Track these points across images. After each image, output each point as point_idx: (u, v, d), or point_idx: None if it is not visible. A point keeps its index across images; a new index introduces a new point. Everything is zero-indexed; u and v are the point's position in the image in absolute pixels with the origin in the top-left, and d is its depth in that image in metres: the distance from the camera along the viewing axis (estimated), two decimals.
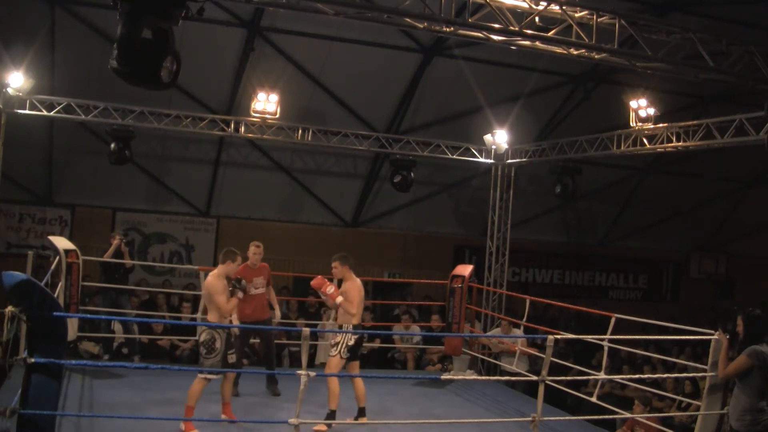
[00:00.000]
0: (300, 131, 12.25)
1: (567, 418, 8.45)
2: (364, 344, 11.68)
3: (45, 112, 11.10)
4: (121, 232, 10.87)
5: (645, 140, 10.55)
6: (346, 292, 7.45)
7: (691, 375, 9.19)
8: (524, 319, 10.02)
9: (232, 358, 7.31)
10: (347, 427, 7.62)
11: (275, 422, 6.58)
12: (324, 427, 7.22)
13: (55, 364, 4.93)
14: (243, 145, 14.75)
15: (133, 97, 10.86)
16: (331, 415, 7.29)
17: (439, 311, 12.25)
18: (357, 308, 7.43)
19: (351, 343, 7.33)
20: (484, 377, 10.73)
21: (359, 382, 7.56)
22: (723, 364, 6.04)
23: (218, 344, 6.98)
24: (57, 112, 11.15)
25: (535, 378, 6.91)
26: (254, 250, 8.62)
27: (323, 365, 11.01)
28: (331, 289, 7.43)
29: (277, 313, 9.04)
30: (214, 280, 7.17)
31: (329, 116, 13.87)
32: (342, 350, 7.34)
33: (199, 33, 11.60)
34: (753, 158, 13.66)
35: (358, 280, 7.58)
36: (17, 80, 10.45)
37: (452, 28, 7.63)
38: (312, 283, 7.65)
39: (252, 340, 9.84)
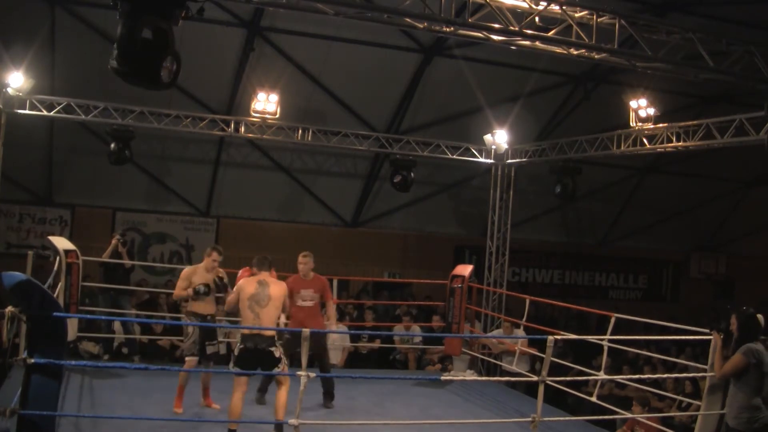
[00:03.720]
0: (300, 131, 12.25)
1: (567, 418, 8.44)
2: (365, 344, 11.77)
3: (45, 112, 11.10)
4: (119, 232, 10.86)
5: (645, 140, 10.55)
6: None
7: (691, 375, 9.19)
8: (524, 319, 10.03)
9: (210, 349, 7.67)
10: (347, 428, 7.62)
11: (275, 422, 6.57)
12: None
13: (55, 365, 4.93)
14: (243, 145, 14.76)
15: (133, 97, 10.85)
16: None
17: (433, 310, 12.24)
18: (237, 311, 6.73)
19: (236, 352, 6.54)
20: (484, 377, 10.73)
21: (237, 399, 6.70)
22: (719, 363, 6.05)
23: (189, 329, 7.65)
24: (57, 112, 11.14)
25: (535, 378, 6.91)
26: (301, 260, 8.37)
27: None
28: None
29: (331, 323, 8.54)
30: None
31: (329, 116, 13.87)
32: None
33: (199, 33, 11.61)
34: (753, 158, 13.69)
35: (251, 280, 6.76)
36: (17, 80, 10.45)
37: (452, 28, 7.63)
38: None
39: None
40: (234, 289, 6.91)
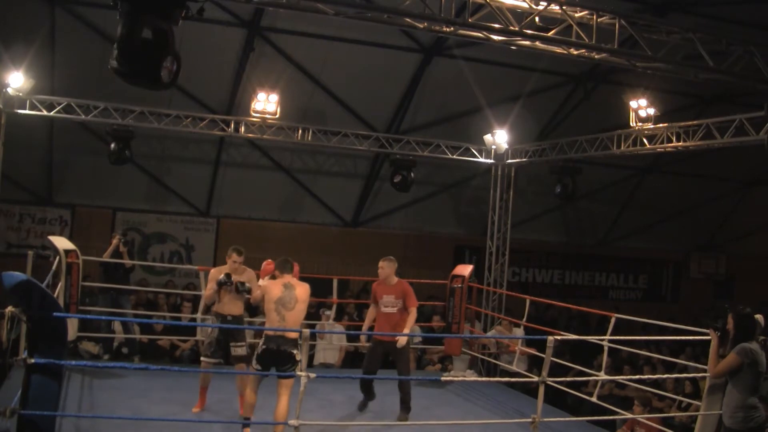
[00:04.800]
0: (300, 131, 12.25)
1: (567, 418, 8.45)
2: (364, 344, 11.73)
3: (45, 112, 11.10)
4: (120, 232, 10.86)
5: (645, 140, 10.55)
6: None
7: (691, 375, 9.20)
8: (524, 319, 10.03)
9: (236, 351, 7.57)
10: (348, 428, 7.62)
11: (275, 423, 6.57)
12: None
13: (55, 365, 4.92)
14: (243, 145, 14.75)
15: (133, 97, 10.85)
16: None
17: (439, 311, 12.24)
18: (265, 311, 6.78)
19: (259, 351, 6.67)
20: (484, 377, 10.73)
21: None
22: (713, 362, 6.05)
23: (209, 330, 7.84)
24: (57, 112, 11.14)
25: (535, 378, 6.91)
26: (380, 265, 8.23)
27: (323, 365, 11.08)
28: None
29: (401, 339, 8.04)
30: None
31: (329, 116, 13.87)
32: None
33: (199, 33, 11.60)
34: (753, 158, 13.67)
35: (276, 282, 6.87)
36: (17, 80, 10.45)
37: (452, 28, 7.63)
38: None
39: None
40: (260, 285, 6.98)
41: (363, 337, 8.79)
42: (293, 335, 6.53)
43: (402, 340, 7.94)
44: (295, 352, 6.51)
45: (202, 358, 7.73)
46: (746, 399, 5.80)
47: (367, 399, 8.28)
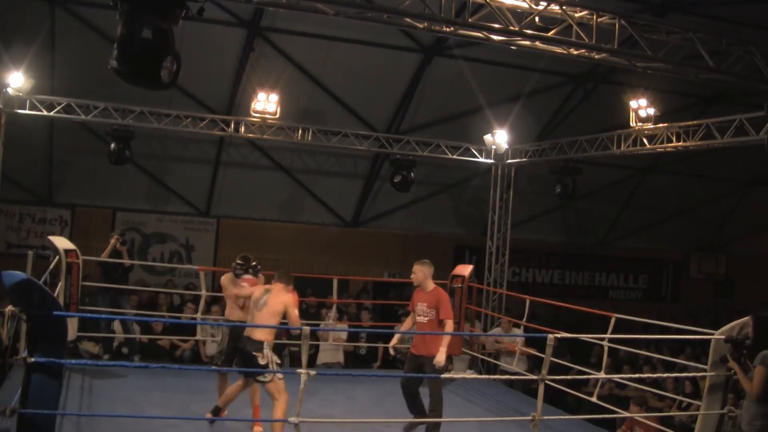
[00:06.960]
0: (300, 131, 12.25)
1: (567, 417, 8.44)
2: (364, 344, 11.75)
3: (45, 112, 11.11)
4: (118, 232, 10.87)
5: (645, 140, 10.56)
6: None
7: (691, 375, 9.18)
8: (524, 319, 10.02)
9: None
10: (347, 427, 7.61)
11: (276, 421, 6.57)
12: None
13: (55, 364, 4.92)
14: (243, 145, 14.76)
15: (133, 97, 10.86)
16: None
17: None
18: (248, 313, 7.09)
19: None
20: (484, 377, 10.73)
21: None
22: (747, 385, 5.91)
23: (219, 335, 8.13)
24: (57, 112, 11.15)
25: (534, 377, 6.90)
26: (413, 269, 7.48)
27: (324, 365, 11.08)
28: None
29: (440, 356, 7.20)
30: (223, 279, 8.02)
31: (329, 116, 13.88)
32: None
33: (199, 33, 11.61)
34: (753, 158, 13.68)
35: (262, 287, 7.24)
36: (17, 80, 10.46)
37: (452, 28, 7.64)
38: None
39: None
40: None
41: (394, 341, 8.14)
42: (258, 337, 6.63)
43: (439, 359, 7.18)
44: (258, 355, 6.58)
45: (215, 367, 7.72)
46: (766, 408, 5.73)
47: (415, 415, 7.53)
